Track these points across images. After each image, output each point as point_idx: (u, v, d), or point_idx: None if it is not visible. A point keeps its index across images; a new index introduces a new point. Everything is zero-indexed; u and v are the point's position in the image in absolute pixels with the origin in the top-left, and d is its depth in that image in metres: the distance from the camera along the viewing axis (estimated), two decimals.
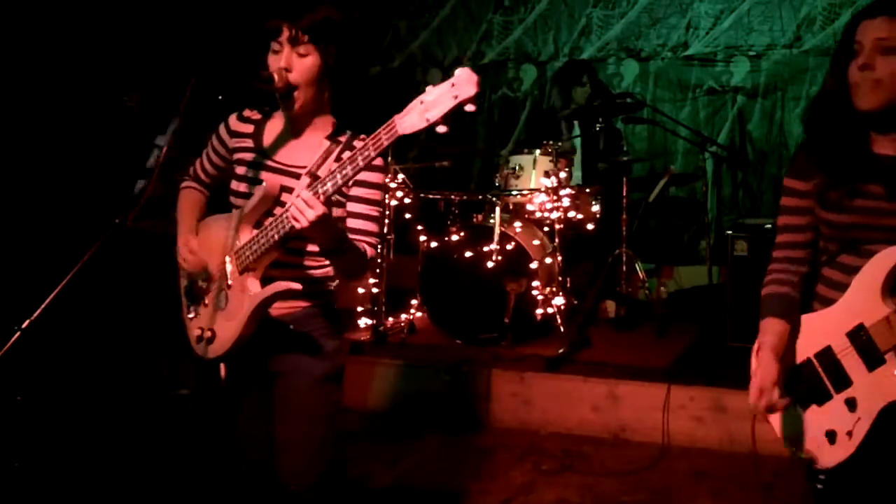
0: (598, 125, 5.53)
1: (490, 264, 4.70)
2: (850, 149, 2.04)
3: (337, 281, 2.38)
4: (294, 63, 2.19)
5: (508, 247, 4.78)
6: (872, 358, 2.00)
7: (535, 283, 4.79)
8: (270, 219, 2.16)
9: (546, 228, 5.09)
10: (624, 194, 5.34)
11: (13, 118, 5.46)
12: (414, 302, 5.02)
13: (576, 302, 5.17)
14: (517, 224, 4.96)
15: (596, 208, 5.25)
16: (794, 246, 2.19)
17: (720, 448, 3.96)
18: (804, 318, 2.15)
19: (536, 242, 4.93)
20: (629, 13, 6.85)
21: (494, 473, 3.85)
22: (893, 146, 2.04)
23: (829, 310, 2.09)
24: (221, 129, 2.44)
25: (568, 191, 5.04)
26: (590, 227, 5.20)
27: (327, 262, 2.29)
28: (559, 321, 4.82)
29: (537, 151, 5.14)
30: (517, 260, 4.78)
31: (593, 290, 5.37)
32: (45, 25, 5.65)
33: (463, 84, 1.81)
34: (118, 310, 5.05)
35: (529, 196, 5.06)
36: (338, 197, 2.20)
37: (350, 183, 2.12)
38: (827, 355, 2.09)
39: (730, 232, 4.77)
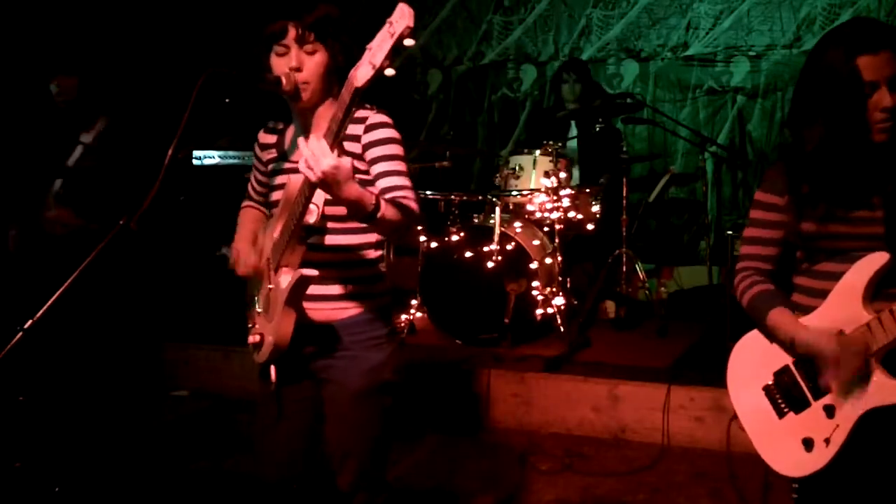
0: (597, 125, 5.54)
1: (490, 264, 4.70)
2: (861, 177, 2.02)
3: (382, 286, 2.36)
4: (304, 61, 2.19)
5: (508, 247, 4.78)
6: None
7: (535, 284, 4.79)
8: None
9: (546, 229, 5.09)
10: (624, 195, 5.34)
11: None
12: (414, 302, 5.02)
13: (576, 302, 5.17)
14: (517, 224, 4.97)
15: (596, 208, 5.25)
16: (762, 258, 2.21)
17: (720, 448, 3.96)
18: None
19: (536, 243, 4.93)
20: (629, 13, 6.86)
21: (494, 474, 3.85)
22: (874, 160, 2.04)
23: (809, 317, 2.09)
24: (255, 145, 2.48)
25: (568, 191, 5.05)
26: (590, 227, 5.21)
27: (372, 263, 2.31)
28: (559, 321, 4.82)
29: (537, 152, 5.15)
30: (517, 260, 4.78)
31: (593, 290, 5.37)
32: None
33: (397, 20, 1.80)
34: (118, 309, 5.05)
35: (529, 196, 5.06)
36: (360, 175, 2.17)
37: (363, 151, 2.18)
38: (806, 362, 2.09)
39: (730, 232, 4.77)
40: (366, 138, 2.20)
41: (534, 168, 5.12)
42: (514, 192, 5.10)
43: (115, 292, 4.87)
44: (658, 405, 4.09)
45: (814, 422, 2.06)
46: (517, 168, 5.14)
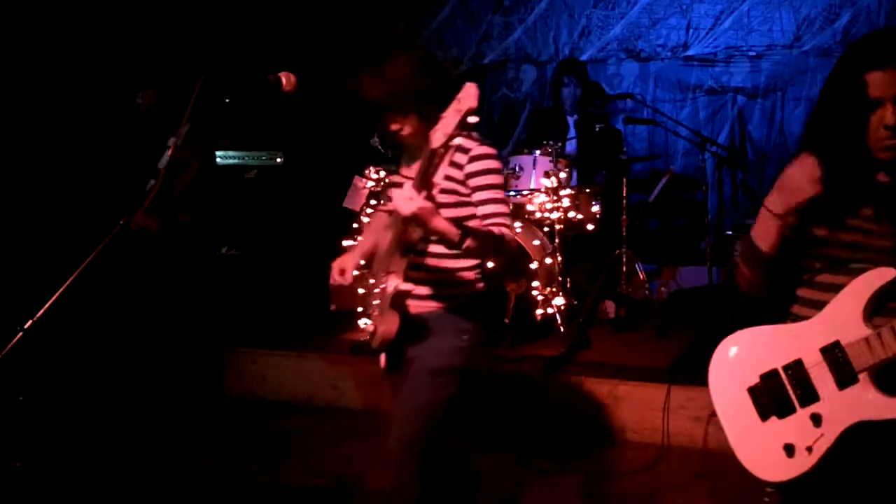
0: (597, 126, 5.54)
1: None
2: (863, 185, 2.00)
3: (478, 285, 2.71)
4: (403, 122, 2.53)
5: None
6: (845, 376, 1.99)
7: (535, 284, 4.79)
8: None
9: (546, 229, 5.09)
10: (624, 194, 5.34)
11: (19, 115, 5.48)
12: None
13: (576, 302, 5.17)
14: (517, 224, 4.97)
15: (596, 208, 5.25)
16: None
17: (720, 448, 3.96)
18: (775, 328, 2.14)
19: (536, 243, 4.93)
20: (629, 13, 6.85)
21: (494, 474, 3.85)
22: (884, 175, 2.02)
23: (804, 324, 2.08)
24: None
25: (568, 191, 5.04)
26: (590, 227, 5.20)
27: (468, 269, 2.65)
28: (559, 321, 4.82)
29: (537, 152, 5.14)
30: (517, 260, 4.78)
31: (593, 290, 5.38)
32: (54, 22, 5.69)
33: (463, 99, 2.17)
34: (117, 308, 5.06)
35: (529, 196, 5.06)
36: (460, 198, 2.54)
37: (465, 179, 2.52)
38: (796, 368, 2.07)
39: (730, 232, 4.77)
40: (468, 168, 2.53)
41: (534, 168, 5.12)
42: (514, 193, 5.09)
43: (116, 292, 4.88)
44: (658, 405, 4.09)
45: (798, 428, 2.05)
46: (517, 168, 5.13)
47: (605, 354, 4.73)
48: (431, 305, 2.62)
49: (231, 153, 5.92)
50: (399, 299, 2.50)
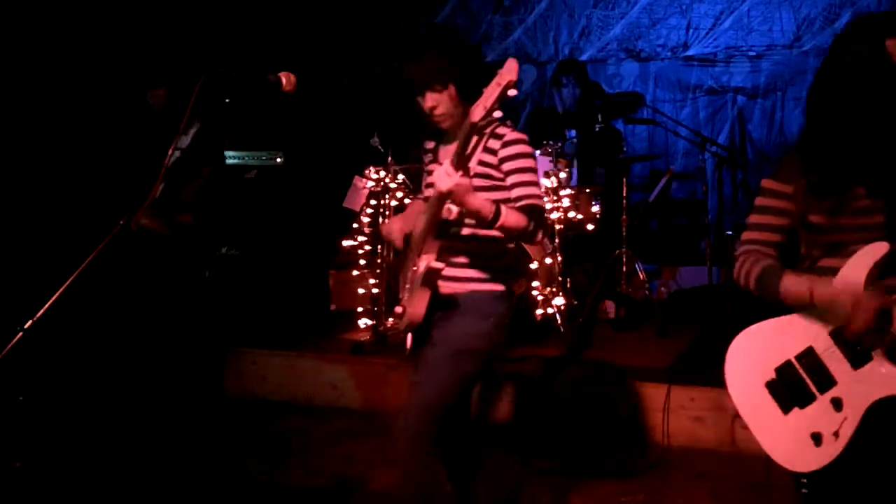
0: (596, 126, 5.54)
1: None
2: (874, 164, 2.00)
3: (509, 274, 2.80)
4: (438, 100, 2.61)
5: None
6: (858, 356, 1.99)
7: (535, 284, 4.79)
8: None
9: None
10: (624, 194, 5.34)
11: (27, 115, 5.48)
12: None
13: (576, 302, 5.16)
14: None
15: (596, 208, 5.25)
16: (765, 244, 2.15)
17: (720, 448, 3.97)
18: (782, 320, 2.13)
19: None
20: (629, 13, 6.85)
21: (494, 474, 3.85)
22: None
23: (810, 311, 2.07)
24: (421, 149, 2.91)
25: (568, 191, 5.04)
26: (590, 227, 5.20)
27: (499, 254, 2.73)
28: (559, 321, 4.82)
29: (537, 152, 5.14)
30: (517, 260, 4.78)
31: (593, 290, 5.37)
32: (61, 21, 5.70)
33: (504, 73, 2.25)
34: (118, 309, 5.06)
35: None
36: (494, 182, 2.60)
37: (499, 164, 2.59)
38: (809, 356, 2.07)
39: (730, 232, 4.76)
40: (502, 153, 2.60)
41: None
42: None
43: (116, 293, 4.88)
44: (658, 405, 4.09)
45: (821, 415, 2.04)
46: None
47: (605, 354, 4.72)
48: (463, 287, 2.65)
49: (231, 153, 5.91)
50: (431, 276, 2.54)
